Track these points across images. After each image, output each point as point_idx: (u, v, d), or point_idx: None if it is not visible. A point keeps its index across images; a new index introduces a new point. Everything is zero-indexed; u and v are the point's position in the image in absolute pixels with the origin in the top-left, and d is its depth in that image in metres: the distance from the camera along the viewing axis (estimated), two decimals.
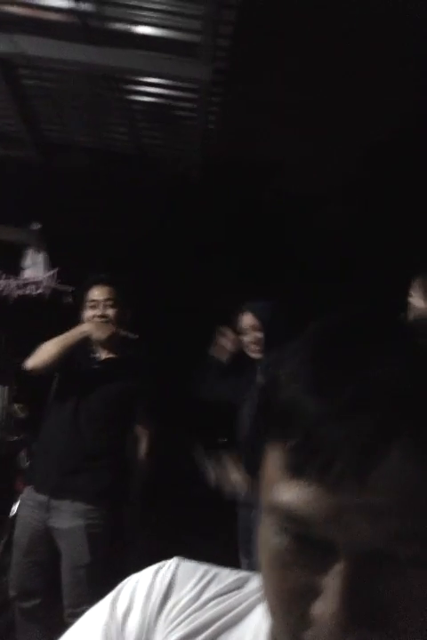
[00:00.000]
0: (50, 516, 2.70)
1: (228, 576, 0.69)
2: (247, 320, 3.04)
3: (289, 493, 0.46)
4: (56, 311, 4.12)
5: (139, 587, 0.68)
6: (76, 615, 1.98)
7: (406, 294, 2.22)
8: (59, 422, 2.85)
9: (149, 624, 0.64)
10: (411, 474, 0.43)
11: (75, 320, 3.09)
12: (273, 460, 0.50)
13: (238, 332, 3.11)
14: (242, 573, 0.70)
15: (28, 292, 4.35)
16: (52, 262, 4.41)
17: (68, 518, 2.67)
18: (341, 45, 3.19)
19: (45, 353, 2.86)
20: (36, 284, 4.37)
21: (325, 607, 0.44)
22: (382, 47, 3.18)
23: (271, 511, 0.49)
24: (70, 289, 4.18)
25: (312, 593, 0.46)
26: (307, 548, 0.46)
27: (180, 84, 3.38)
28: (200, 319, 4.40)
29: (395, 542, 0.43)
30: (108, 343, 2.89)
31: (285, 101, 3.69)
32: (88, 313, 2.92)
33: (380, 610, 0.44)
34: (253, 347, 3.01)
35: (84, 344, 2.91)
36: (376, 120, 3.79)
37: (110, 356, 2.95)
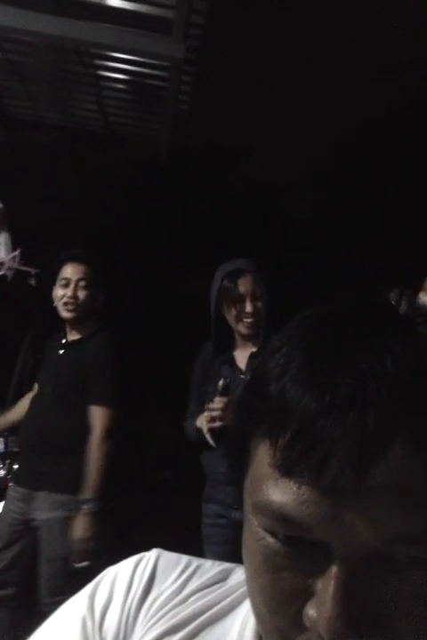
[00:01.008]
0: (30, 507, 2.67)
1: (210, 568, 0.68)
2: (245, 285, 2.49)
3: (281, 493, 0.44)
4: (19, 293, 4.02)
5: (118, 580, 0.67)
6: (52, 605, 1.92)
7: (373, 284, 2.18)
8: (31, 413, 2.79)
9: (127, 619, 0.63)
10: (411, 471, 0.41)
11: (38, 302, 2.98)
12: (262, 456, 0.48)
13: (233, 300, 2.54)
14: (225, 565, 0.68)
15: None
16: (14, 243, 4.28)
17: (47, 509, 2.62)
18: (317, 32, 3.15)
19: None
20: None
21: (319, 612, 0.42)
22: (358, 37, 3.15)
23: (260, 511, 0.47)
24: (34, 271, 4.05)
25: (304, 596, 0.44)
26: (299, 551, 0.45)
27: (151, 61, 3.27)
28: (166, 302, 4.34)
29: (394, 543, 0.41)
30: (75, 324, 2.80)
31: (257, 85, 3.63)
32: (58, 291, 2.81)
33: (376, 613, 0.42)
34: (246, 321, 2.49)
35: (58, 332, 2.86)
36: (347, 109, 3.77)
37: (76, 337, 2.85)
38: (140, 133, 4.14)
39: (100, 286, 2.91)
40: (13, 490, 2.77)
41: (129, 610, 0.63)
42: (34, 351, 4.53)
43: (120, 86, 3.65)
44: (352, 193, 4.42)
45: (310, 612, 0.43)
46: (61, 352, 2.84)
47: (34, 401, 2.83)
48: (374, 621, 0.42)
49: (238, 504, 2.33)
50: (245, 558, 0.51)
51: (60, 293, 2.80)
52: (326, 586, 0.43)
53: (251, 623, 0.60)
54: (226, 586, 0.65)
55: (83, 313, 2.81)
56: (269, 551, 0.46)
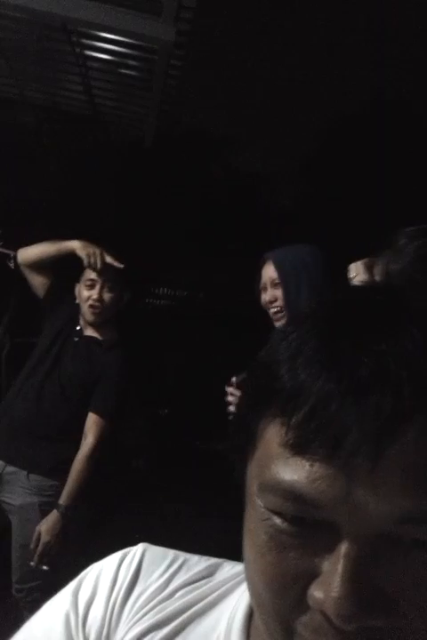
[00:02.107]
0: (3, 489, 2.60)
1: (197, 563, 0.68)
2: (266, 273, 2.38)
3: (292, 471, 0.44)
4: None
5: (102, 575, 0.66)
6: (24, 591, 1.88)
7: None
8: (24, 389, 2.71)
9: (112, 614, 0.63)
10: (425, 455, 0.41)
11: (17, 285, 2.91)
12: (271, 437, 0.47)
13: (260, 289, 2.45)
14: (212, 560, 0.69)
15: None
16: None
17: (22, 494, 2.57)
18: (306, 24, 3.15)
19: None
20: None
21: (326, 592, 0.42)
22: (345, 29, 3.16)
23: (268, 491, 0.47)
24: (12, 253, 3.98)
25: (309, 577, 0.44)
26: (307, 530, 0.44)
27: (140, 42, 3.22)
28: (147, 287, 4.30)
29: (405, 523, 0.41)
30: (95, 324, 2.73)
31: (245, 74, 3.61)
32: (83, 292, 2.72)
33: (384, 595, 0.42)
34: (273, 310, 2.36)
35: (75, 316, 2.77)
36: (333, 100, 3.78)
37: (94, 335, 2.78)
38: (125, 116, 4.09)
39: (125, 286, 2.82)
40: None
41: (113, 605, 0.63)
42: (11, 335, 4.46)
43: (107, 67, 3.59)
44: (337, 183, 4.42)
45: (316, 592, 0.43)
46: (76, 340, 2.76)
47: (25, 381, 2.75)
48: (382, 602, 0.42)
49: None
50: (246, 541, 0.50)
51: (85, 295, 2.71)
52: (335, 565, 0.42)
53: (239, 615, 0.59)
54: (213, 581, 0.65)
55: (107, 316, 2.74)
56: (275, 531, 0.46)
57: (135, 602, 0.63)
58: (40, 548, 2.48)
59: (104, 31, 3.18)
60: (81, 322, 2.77)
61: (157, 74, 3.43)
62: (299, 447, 0.44)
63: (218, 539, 2.48)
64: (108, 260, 2.70)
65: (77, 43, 3.37)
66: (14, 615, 2.71)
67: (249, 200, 4.66)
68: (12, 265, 3.89)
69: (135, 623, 0.62)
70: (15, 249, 3.76)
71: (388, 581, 0.42)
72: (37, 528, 2.49)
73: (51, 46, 3.47)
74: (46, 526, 2.49)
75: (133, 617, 0.62)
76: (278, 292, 2.33)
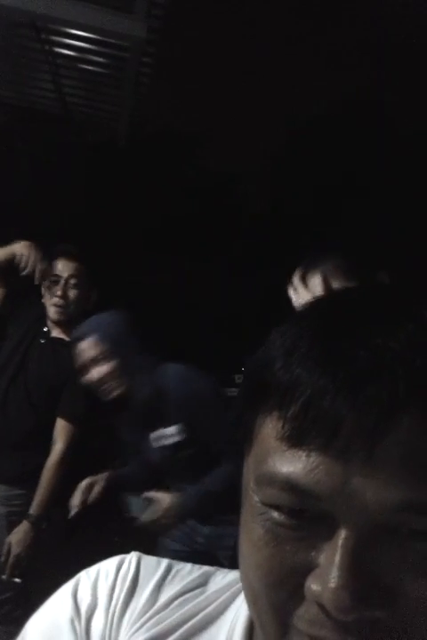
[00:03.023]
0: None
1: (190, 572, 0.67)
2: (87, 351, 2.24)
3: (288, 463, 0.44)
4: None
5: (100, 583, 0.65)
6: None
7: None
8: None
9: (112, 624, 0.62)
10: (420, 445, 0.42)
11: None
12: (267, 432, 0.48)
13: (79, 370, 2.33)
14: (204, 568, 0.68)
15: None
16: None
17: None
18: (277, 22, 3.16)
19: None
20: None
21: (323, 583, 0.42)
22: (317, 28, 3.18)
23: (264, 484, 0.47)
24: None
25: (306, 569, 0.44)
26: (304, 522, 0.44)
27: (111, 40, 3.20)
28: (120, 290, 4.26)
29: (401, 514, 0.41)
30: (62, 323, 2.64)
31: (216, 73, 3.61)
32: (49, 289, 2.64)
33: (382, 586, 0.42)
34: (107, 386, 2.25)
35: (41, 317, 2.68)
36: (304, 103, 3.80)
37: (61, 336, 2.70)
38: (97, 115, 4.06)
39: (93, 284, 2.73)
40: None
41: (113, 615, 0.62)
42: None
43: (78, 65, 3.55)
44: (308, 184, 4.45)
45: (313, 585, 0.43)
46: (43, 342, 2.67)
47: None
48: (380, 593, 0.42)
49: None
50: (242, 536, 0.51)
51: (49, 291, 2.62)
52: (332, 557, 0.42)
53: (238, 630, 0.59)
54: (208, 591, 0.65)
55: (73, 314, 2.64)
56: (272, 524, 0.46)
57: (133, 612, 0.63)
58: (11, 559, 2.40)
59: (74, 28, 3.16)
60: (48, 322, 2.70)
61: (128, 71, 3.41)
62: (295, 439, 0.44)
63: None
64: (40, 265, 2.60)
65: (47, 40, 3.33)
66: None
67: (220, 200, 4.65)
68: None
69: (133, 634, 0.61)
70: None
71: (385, 571, 0.42)
72: (7, 540, 2.42)
73: (20, 44, 3.43)
74: (17, 537, 2.42)
75: (131, 627, 0.61)
76: (105, 368, 2.21)
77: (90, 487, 2.33)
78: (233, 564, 0.64)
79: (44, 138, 4.14)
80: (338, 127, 3.78)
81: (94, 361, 2.20)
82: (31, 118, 4.07)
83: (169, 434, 2.22)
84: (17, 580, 2.42)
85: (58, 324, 2.64)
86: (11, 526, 2.46)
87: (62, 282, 2.58)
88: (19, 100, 4.03)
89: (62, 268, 2.61)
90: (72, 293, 2.60)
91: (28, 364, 2.61)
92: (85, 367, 2.23)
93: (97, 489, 2.35)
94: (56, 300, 2.57)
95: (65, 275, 2.59)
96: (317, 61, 3.39)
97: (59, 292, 2.56)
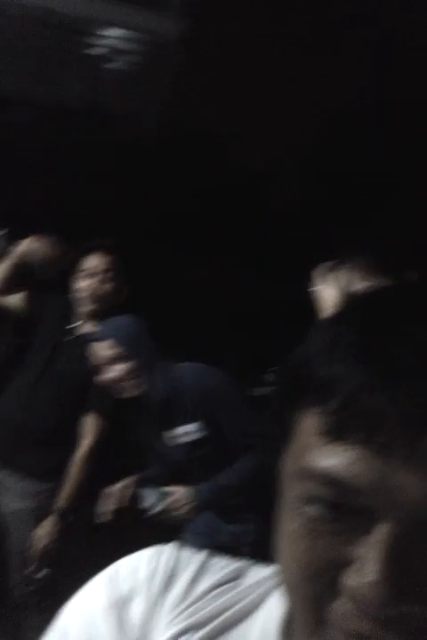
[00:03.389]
0: None
1: (226, 565, 0.68)
2: (104, 351, 2.34)
3: (329, 457, 0.45)
4: None
5: (140, 571, 0.67)
6: (25, 596, 1.88)
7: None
8: (17, 391, 2.65)
9: (150, 613, 0.63)
10: None
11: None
12: (308, 426, 0.48)
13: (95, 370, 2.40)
14: (239, 563, 0.69)
15: None
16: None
17: (16, 499, 2.52)
18: (313, 20, 3.09)
19: None
20: None
21: (360, 578, 0.42)
22: (353, 26, 3.10)
23: (303, 478, 0.47)
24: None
25: (343, 564, 0.44)
26: (343, 516, 0.44)
27: (143, 36, 3.16)
28: (153, 288, 4.24)
29: None
30: (93, 317, 2.64)
31: (249, 72, 3.55)
32: (81, 283, 2.64)
33: (420, 581, 0.42)
34: (121, 385, 2.34)
35: (71, 312, 2.69)
36: (339, 101, 3.72)
37: (89, 331, 2.68)
38: (128, 114, 4.03)
39: (125, 279, 2.74)
40: None
41: (152, 605, 0.63)
42: (15, 336, 4.41)
43: (109, 63, 3.53)
44: (342, 182, 4.37)
45: (350, 579, 0.43)
46: (71, 338, 2.68)
47: (19, 382, 2.68)
48: (417, 589, 0.42)
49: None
50: (279, 529, 0.51)
51: (81, 285, 2.63)
52: (370, 551, 0.42)
53: (273, 625, 0.60)
54: (243, 585, 0.66)
55: (105, 308, 2.65)
56: (309, 518, 0.46)
57: (170, 602, 0.63)
58: (38, 553, 2.44)
59: (106, 26, 3.13)
60: (79, 316, 2.70)
61: (160, 70, 3.37)
62: (335, 434, 0.44)
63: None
64: (52, 258, 2.62)
65: (78, 38, 3.31)
66: (16, 617, 2.68)
67: (253, 199, 4.60)
68: None
69: (171, 622, 0.62)
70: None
71: (424, 567, 0.42)
72: (34, 533, 2.45)
73: (52, 43, 3.41)
74: (43, 531, 2.46)
75: (168, 617, 0.62)
76: (121, 368, 2.30)
77: (118, 493, 2.36)
78: (254, 558, 0.70)
79: (75, 137, 4.13)
80: (371, 124, 3.70)
81: (110, 362, 2.28)
82: (62, 117, 4.06)
83: (186, 432, 2.27)
84: (42, 573, 2.45)
85: (89, 316, 2.65)
86: (37, 520, 2.49)
87: (96, 275, 2.60)
88: (49, 98, 4.02)
89: (96, 261, 2.64)
90: (105, 287, 2.63)
91: (56, 361, 2.63)
92: (101, 367, 2.32)
93: (127, 494, 2.38)
94: (89, 293, 2.59)
95: (99, 268, 2.62)
96: (351, 59, 3.30)
97: (92, 286, 2.58)
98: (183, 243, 4.46)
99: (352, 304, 0.54)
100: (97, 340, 2.33)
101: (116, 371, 2.30)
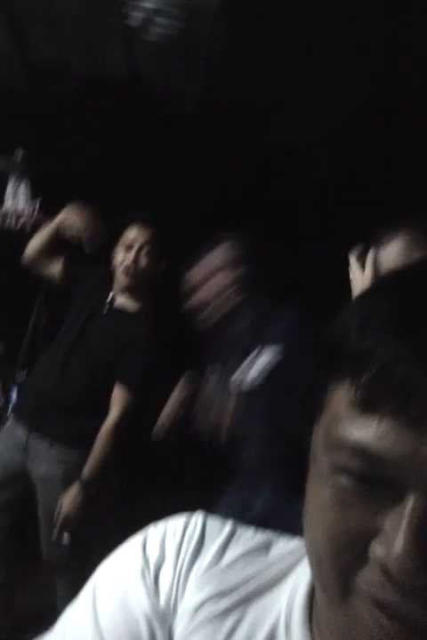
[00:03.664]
0: (27, 458, 2.60)
1: (253, 536, 0.69)
2: (221, 256, 2.36)
3: (360, 428, 0.45)
4: None
5: (168, 539, 0.68)
6: (54, 557, 1.93)
7: None
8: (50, 361, 2.69)
9: (179, 580, 0.64)
10: None
11: None
12: (340, 396, 0.48)
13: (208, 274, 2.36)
14: (267, 533, 0.70)
15: (8, 224, 4.13)
16: (34, 193, 4.19)
17: (46, 464, 2.57)
18: None
19: (30, 246, 2.77)
20: (18, 216, 4.15)
21: (388, 548, 0.42)
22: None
23: (334, 449, 0.48)
24: None
25: (372, 534, 0.45)
26: (372, 488, 0.45)
27: (182, 7, 3.15)
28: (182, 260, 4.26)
29: None
30: (129, 290, 2.66)
31: (287, 44, 3.50)
32: (119, 255, 2.66)
33: None
34: (229, 293, 2.32)
35: (101, 285, 2.72)
36: (375, 74, 3.65)
37: (124, 304, 2.71)
38: (168, 85, 4.03)
39: (165, 254, 2.74)
40: (8, 435, 2.71)
41: (180, 571, 0.64)
42: (48, 306, 4.47)
43: (149, 34, 3.52)
44: (382, 156, 4.30)
45: (378, 548, 0.44)
46: (105, 312, 2.70)
47: (57, 347, 2.73)
48: None
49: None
50: (309, 499, 0.52)
51: (120, 256, 2.64)
52: (398, 522, 0.42)
53: (300, 592, 0.60)
54: (271, 555, 0.66)
55: (142, 281, 2.67)
56: (339, 489, 0.47)
57: (198, 569, 0.64)
58: (60, 519, 2.49)
59: None
60: (114, 288, 2.71)
61: (199, 40, 3.36)
62: (367, 405, 0.44)
63: None
64: (89, 229, 2.64)
65: (118, 9, 3.31)
66: (47, 575, 2.77)
67: (290, 172, 4.55)
68: None
69: (197, 589, 0.63)
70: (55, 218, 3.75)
71: None
72: (60, 500, 2.50)
73: (93, 13, 3.42)
74: (68, 498, 2.50)
75: (196, 584, 0.63)
76: (231, 274, 2.31)
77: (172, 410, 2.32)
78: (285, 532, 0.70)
79: (115, 108, 4.14)
80: (409, 97, 3.62)
81: (224, 266, 2.30)
82: (101, 88, 4.07)
83: (256, 364, 2.23)
84: (65, 539, 2.51)
85: (125, 289, 2.66)
86: (66, 486, 2.53)
87: (136, 248, 2.60)
88: (89, 69, 4.04)
89: (137, 234, 2.63)
90: (144, 261, 2.62)
91: (89, 333, 2.65)
92: (214, 272, 2.32)
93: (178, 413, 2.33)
94: (127, 264, 2.59)
95: (139, 241, 2.61)
96: (389, 30, 3.23)
97: (131, 258, 2.58)
98: (222, 215, 4.45)
99: (388, 277, 0.54)
100: (217, 242, 2.36)
101: (225, 276, 2.30)
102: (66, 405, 2.59)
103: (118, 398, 2.58)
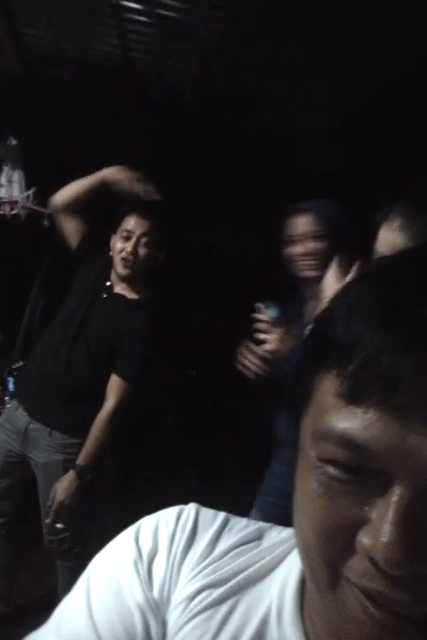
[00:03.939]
0: (27, 445, 2.62)
1: (245, 526, 0.70)
2: (303, 224, 2.30)
3: (346, 419, 0.45)
4: (32, 234, 3.93)
5: (161, 530, 0.68)
6: (55, 542, 1.95)
7: None
8: (51, 346, 2.68)
9: (172, 571, 0.65)
10: None
11: (51, 243, 2.82)
12: (326, 387, 0.48)
13: (287, 241, 2.36)
14: (259, 523, 0.71)
15: (1, 212, 4.10)
16: (29, 182, 4.15)
17: (45, 451, 2.58)
18: None
19: (62, 192, 2.76)
20: (11, 204, 4.11)
21: (375, 537, 0.42)
22: None
23: (321, 439, 0.48)
24: (47, 211, 3.94)
25: (359, 524, 0.45)
26: (358, 478, 0.45)
27: None
28: (183, 248, 4.24)
29: None
30: (127, 279, 2.65)
31: (285, 30, 3.45)
32: (118, 244, 2.64)
33: None
34: (307, 262, 2.30)
35: (105, 270, 2.71)
36: (371, 61, 3.62)
37: (123, 292, 2.70)
38: (163, 72, 3.98)
39: (163, 244, 2.73)
40: (8, 421, 2.71)
41: (173, 562, 0.65)
42: (44, 293, 4.46)
43: (144, 20, 3.47)
44: (378, 145, 4.28)
45: (365, 538, 0.44)
46: (104, 297, 2.70)
47: (56, 333, 2.71)
48: None
49: None
50: (297, 488, 0.52)
51: (118, 246, 2.62)
52: (385, 512, 0.42)
53: (291, 583, 0.61)
54: (262, 545, 0.67)
55: (140, 272, 2.66)
56: (327, 478, 0.47)
57: (191, 560, 0.65)
58: (54, 506, 2.50)
59: None
60: (112, 276, 2.71)
61: (195, 27, 3.31)
62: (353, 395, 0.45)
63: (242, 495, 2.53)
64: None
65: None
66: (48, 563, 2.79)
67: (288, 159, 4.52)
68: (46, 223, 3.86)
69: (191, 580, 0.63)
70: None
71: None
72: (54, 486, 2.51)
73: None
74: (62, 485, 2.51)
75: (189, 574, 0.64)
76: (317, 245, 2.27)
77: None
78: None
79: (109, 94, 4.09)
80: (418, 84, 3.59)
81: (306, 236, 2.28)
82: (96, 74, 4.02)
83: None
84: (60, 525, 2.53)
85: (123, 279, 2.66)
86: (65, 472, 2.55)
87: (134, 238, 2.59)
88: (83, 55, 3.98)
89: (135, 224, 2.62)
90: (142, 251, 2.62)
91: (89, 319, 2.65)
92: (295, 241, 2.32)
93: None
94: (126, 254, 2.60)
95: (138, 231, 2.60)
96: (390, 17, 3.19)
97: (129, 248, 2.58)
98: (219, 204, 4.43)
99: (375, 265, 0.54)
100: (299, 212, 2.32)
101: (307, 246, 2.27)
102: (67, 393, 2.60)
103: (115, 388, 2.59)
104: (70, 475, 2.51)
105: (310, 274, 2.30)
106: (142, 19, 3.46)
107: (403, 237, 1.61)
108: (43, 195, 3.85)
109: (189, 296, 4.96)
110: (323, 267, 2.15)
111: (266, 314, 2.24)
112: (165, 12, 3.34)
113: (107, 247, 2.75)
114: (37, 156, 4.06)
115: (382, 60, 3.58)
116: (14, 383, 3.22)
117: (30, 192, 4.08)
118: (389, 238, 1.64)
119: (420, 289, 0.45)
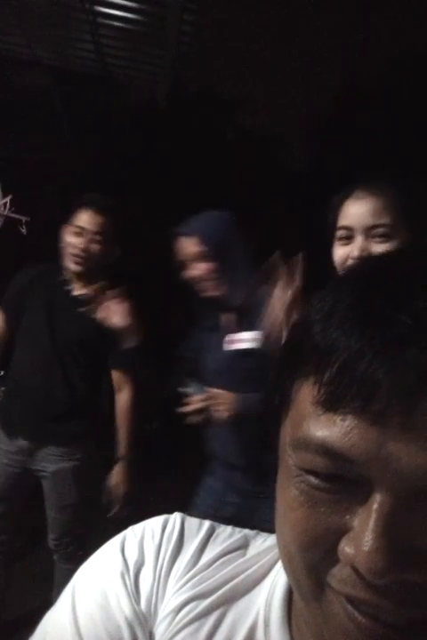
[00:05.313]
0: (34, 459, 2.56)
1: (231, 534, 0.69)
2: (189, 247, 2.24)
3: (324, 427, 0.44)
4: (9, 242, 3.90)
5: (146, 540, 0.67)
6: (61, 545, 1.94)
7: None
8: (30, 362, 2.62)
9: (159, 582, 0.64)
10: None
11: (29, 250, 2.80)
12: (304, 397, 0.47)
13: (180, 265, 2.30)
14: (245, 531, 0.70)
15: None
16: (5, 189, 4.14)
17: (53, 461, 2.54)
18: None
19: None
20: None
21: (356, 546, 0.41)
22: None
23: (300, 448, 0.47)
24: (24, 219, 3.92)
25: (340, 532, 0.44)
26: (338, 486, 0.44)
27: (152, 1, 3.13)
28: (159, 250, 4.26)
29: None
30: (81, 277, 2.60)
31: (257, 35, 3.51)
32: (70, 239, 2.56)
33: (417, 549, 0.41)
34: (204, 284, 2.24)
35: (57, 275, 2.64)
36: (344, 65, 3.69)
37: (81, 291, 2.65)
38: (137, 77, 3.99)
39: (117, 241, 2.67)
40: (4, 441, 2.61)
41: (160, 573, 0.64)
42: None
43: (119, 26, 3.49)
44: (352, 145, 4.35)
45: (347, 548, 0.43)
46: (65, 303, 2.63)
47: (29, 352, 2.66)
48: (414, 557, 0.41)
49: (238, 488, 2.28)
50: (278, 497, 0.51)
51: (70, 241, 2.56)
52: (366, 520, 0.42)
53: (277, 593, 0.60)
54: (248, 554, 0.66)
55: (92, 268, 2.60)
56: (306, 487, 0.46)
57: (178, 571, 0.64)
58: (118, 498, 2.54)
59: None
60: (68, 275, 2.62)
61: (169, 32, 3.33)
62: (330, 403, 0.43)
63: None
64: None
65: (89, 2, 3.27)
66: (51, 561, 2.78)
67: (262, 162, 4.58)
68: (23, 230, 3.84)
69: (177, 591, 0.62)
70: (26, 214, 3.72)
71: (420, 536, 0.41)
72: (108, 484, 2.55)
73: (62, 5, 3.38)
74: (117, 479, 2.55)
75: (176, 584, 0.63)
76: (208, 265, 2.20)
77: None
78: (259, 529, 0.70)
79: (85, 99, 4.11)
80: (388, 87, 3.67)
81: (194, 259, 2.20)
82: (72, 80, 4.03)
83: (246, 338, 2.20)
84: (125, 512, 2.56)
85: (77, 277, 2.59)
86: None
87: (86, 236, 2.51)
88: (59, 61, 3.99)
89: (88, 220, 2.53)
90: (94, 248, 2.50)
91: (58, 329, 2.58)
92: (185, 264, 2.24)
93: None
94: (77, 251, 2.50)
95: (89, 228, 2.52)
96: (360, 21, 3.26)
97: (81, 245, 2.49)
98: (192, 204, 4.45)
99: (351, 270, 0.53)
100: (184, 234, 2.22)
101: (198, 269, 2.20)
102: (56, 411, 2.56)
103: (122, 380, 2.59)
104: (121, 466, 2.56)
105: (212, 293, 2.24)
106: (117, 24, 3.47)
107: (366, 205, 1.64)
108: (19, 202, 3.84)
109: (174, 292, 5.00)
110: (223, 282, 2.18)
111: (189, 390, 2.27)
112: (139, 18, 3.36)
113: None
114: (13, 163, 4.05)
115: (356, 63, 3.65)
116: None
117: (7, 200, 4.06)
118: (352, 209, 1.67)
119: (395, 294, 0.44)
